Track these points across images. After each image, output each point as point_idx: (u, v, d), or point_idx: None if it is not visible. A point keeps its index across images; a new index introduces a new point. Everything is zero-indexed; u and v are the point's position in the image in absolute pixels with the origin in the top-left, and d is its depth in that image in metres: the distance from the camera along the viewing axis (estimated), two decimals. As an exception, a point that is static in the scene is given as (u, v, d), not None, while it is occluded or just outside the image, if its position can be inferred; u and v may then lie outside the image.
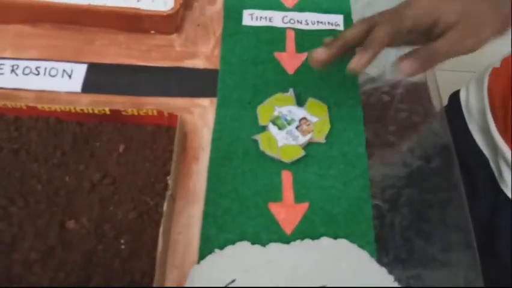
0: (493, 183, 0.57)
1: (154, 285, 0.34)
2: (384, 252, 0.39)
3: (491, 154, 0.57)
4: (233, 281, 0.36)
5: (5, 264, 0.36)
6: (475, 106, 0.59)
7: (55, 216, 0.38)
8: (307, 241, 0.38)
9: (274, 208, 0.40)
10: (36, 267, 0.36)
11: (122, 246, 0.37)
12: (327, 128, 0.44)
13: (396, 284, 0.37)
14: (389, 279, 0.37)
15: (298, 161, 0.42)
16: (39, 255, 0.36)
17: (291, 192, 0.41)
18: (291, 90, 0.46)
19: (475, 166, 0.59)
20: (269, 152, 0.42)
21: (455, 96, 0.64)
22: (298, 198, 0.40)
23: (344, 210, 0.40)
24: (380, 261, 0.38)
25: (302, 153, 0.42)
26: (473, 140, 0.59)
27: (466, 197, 0.44)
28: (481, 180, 0.59)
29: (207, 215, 0.40)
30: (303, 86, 0.46)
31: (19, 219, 0.38)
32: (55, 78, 0.46)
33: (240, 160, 0.42)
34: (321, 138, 0.43)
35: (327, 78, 0.47)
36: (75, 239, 0.37)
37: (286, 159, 0.42)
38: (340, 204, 0.40)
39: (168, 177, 0.40)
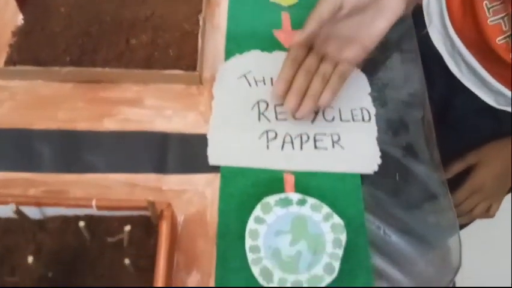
0: (446, 73, 0.73)
1: (197, 70, 0.50)
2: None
3: (448, 49, 0.73)
4: (249, 71, 0.53)
5: (91, 60, 0.52)
6: (435, 10, 0.75)
7: (121, 35, 0.54)
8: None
9: (277, 34, 0.56)
10: (113, 62, 0.52)
11: (171, 53, 0.53)
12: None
13: (364, 78, 0.54)
14: (362, 75, 0.54)
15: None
16: (114, 56, 0.52)
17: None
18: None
19: (431, 60, 0.75)
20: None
21: (417, 6, 0.80)
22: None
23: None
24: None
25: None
26: (431, 41, 0.75)
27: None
28: (437, 70, 0.75)
29: (228, 38, 0.56)
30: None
31: (96, 35, 0.53)
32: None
33: (251, 6, 0.58)
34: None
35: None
36: (138, 48, 0.53)
37: (284, 3, 0.58)
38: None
39: (199, 15, 0.56)
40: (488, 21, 0.58)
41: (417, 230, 0.47)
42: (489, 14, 0.57)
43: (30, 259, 0.35)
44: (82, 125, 0.49)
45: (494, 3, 0.57)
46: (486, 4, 0.58)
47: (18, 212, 0.37)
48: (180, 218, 0.45)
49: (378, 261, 0.45)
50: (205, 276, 0.43)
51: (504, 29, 0.56)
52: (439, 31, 0.71)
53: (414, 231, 0.46)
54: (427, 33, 0.73)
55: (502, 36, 0.56)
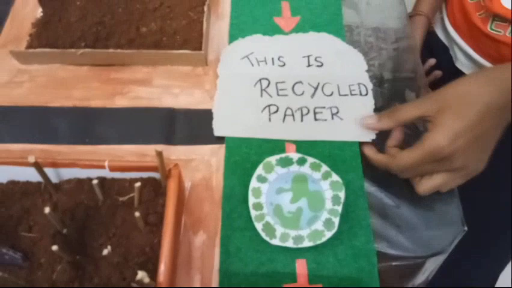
0: (452, 65, 0.76)
1: (203, 50, 0.54)
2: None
3: (449, 43, 0.77)
4: (252, 53, 0.56)
5: (104, 46, 0.55)
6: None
7: (132, 24, 0.58)
8: (300, 34, 0.58)
9: (278, 20, 0.60)
10: (125, 47, 0.55)
11: (178, 39, 0.57)
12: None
13: (361, 57, 0.57)
14: (358, 54, 0.57)
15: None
16: (125, 41, 0.56)
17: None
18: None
19: (438, 52, 0.79)
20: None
21: None
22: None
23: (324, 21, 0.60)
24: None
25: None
26: (436, 34, 0.79)
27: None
28: (444, 62, 0.78)
29: (232, 25, 0.60)
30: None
31: (109, 25, 0.57)
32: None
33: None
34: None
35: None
36: (147, 35, 0.57)
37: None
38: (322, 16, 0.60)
39: (205, 5, 0.60)
40: (468, 1, 0.67)
41: (416, 195, 0.48)
42: None
43: (47, 209, 0.37)
44: (95, 103, 0.52)
45: None
46: None
47: (37, 164, 0.39)
48: (188, 185, 0.47)
49: (378, 224, 0.47)
50: (211, 235, 0.45)
51: (482, 4, 0.65)
52: (441, 26, 0.77)
53: (413, 197, 0.48)
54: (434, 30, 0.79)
55: (482, 11, 0.65)
